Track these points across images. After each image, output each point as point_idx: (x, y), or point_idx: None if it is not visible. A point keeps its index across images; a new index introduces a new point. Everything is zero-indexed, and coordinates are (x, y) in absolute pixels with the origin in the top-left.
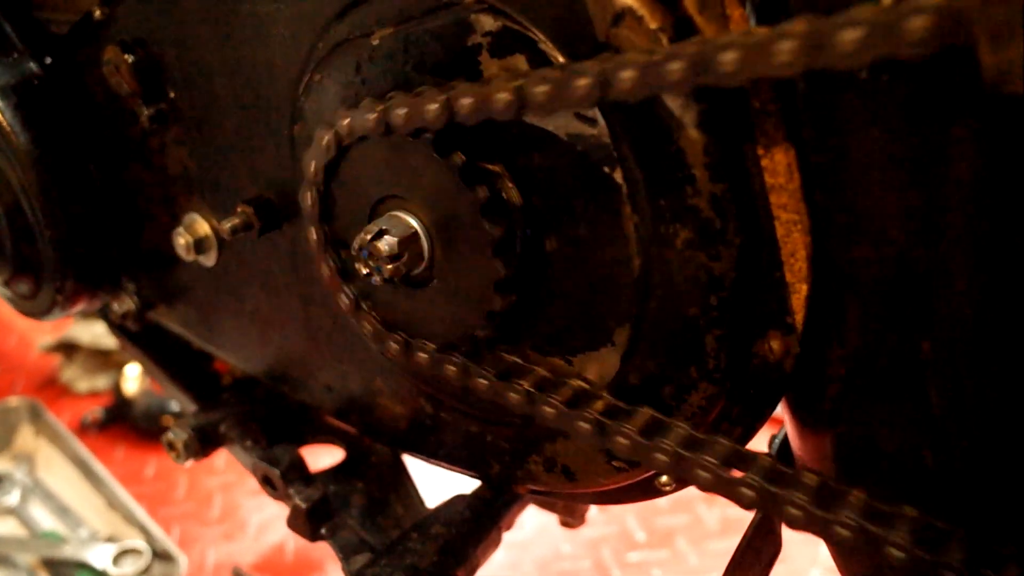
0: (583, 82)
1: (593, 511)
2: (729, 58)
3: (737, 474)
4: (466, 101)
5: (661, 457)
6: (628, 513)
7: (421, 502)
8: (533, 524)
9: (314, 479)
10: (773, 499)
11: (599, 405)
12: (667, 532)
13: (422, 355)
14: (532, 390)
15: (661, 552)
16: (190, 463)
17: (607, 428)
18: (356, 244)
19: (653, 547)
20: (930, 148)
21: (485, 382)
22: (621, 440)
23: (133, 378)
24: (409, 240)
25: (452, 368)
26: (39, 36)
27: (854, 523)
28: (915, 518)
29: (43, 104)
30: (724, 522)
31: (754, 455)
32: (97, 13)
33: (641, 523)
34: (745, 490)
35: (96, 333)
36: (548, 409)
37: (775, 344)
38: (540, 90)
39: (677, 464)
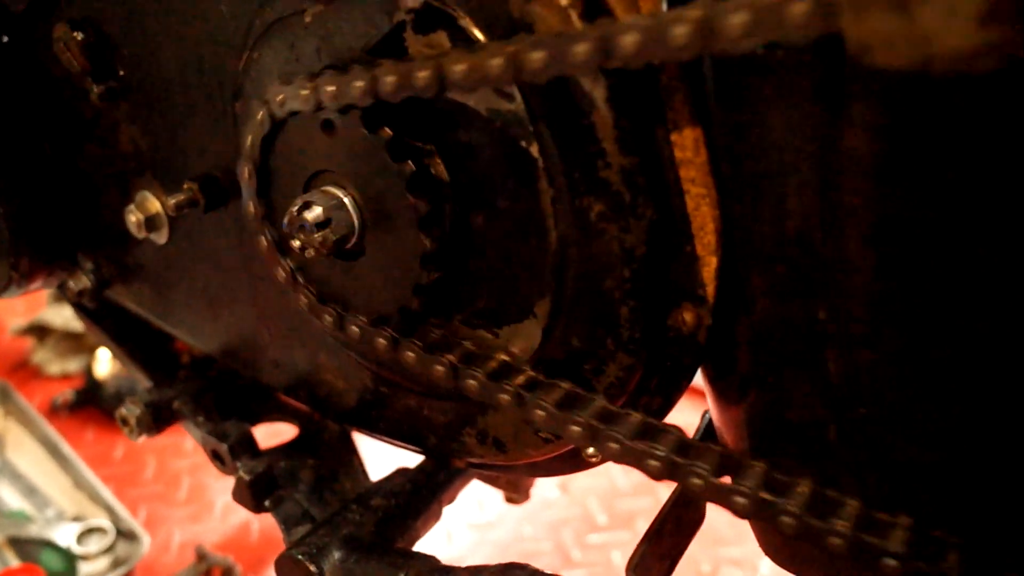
0: (496, 62)
1: (556, 495)
2: (629, 41)
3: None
4: (390, 79)
5: (540, 413)
6: (590, 495)
7: (366, 476)
8: (495, 507)
9: (262, 454)
10: (634, 454)
11: (491, 364)
12: (628, 515)
13: (354, 328)
14: (455, 361)
15: (622, 534)
16: (143, 438)
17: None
18: (286, 217)
19: (614, 529)
20: (826, 122)
21: (412, 355)
22: (503, 396)
23: (105, 361)
24: (336, 211)
25: (381, 341)
26: None
27: (749, 493)
28: (813, 489)
29: None
30: None
31: (625, 414)
32: None
33: (602, 506)
34: (611, 444)
35: (68, 316)
36: (472, 383)
37: (688, 316)
38: (458, 68)
39: (551, 422)
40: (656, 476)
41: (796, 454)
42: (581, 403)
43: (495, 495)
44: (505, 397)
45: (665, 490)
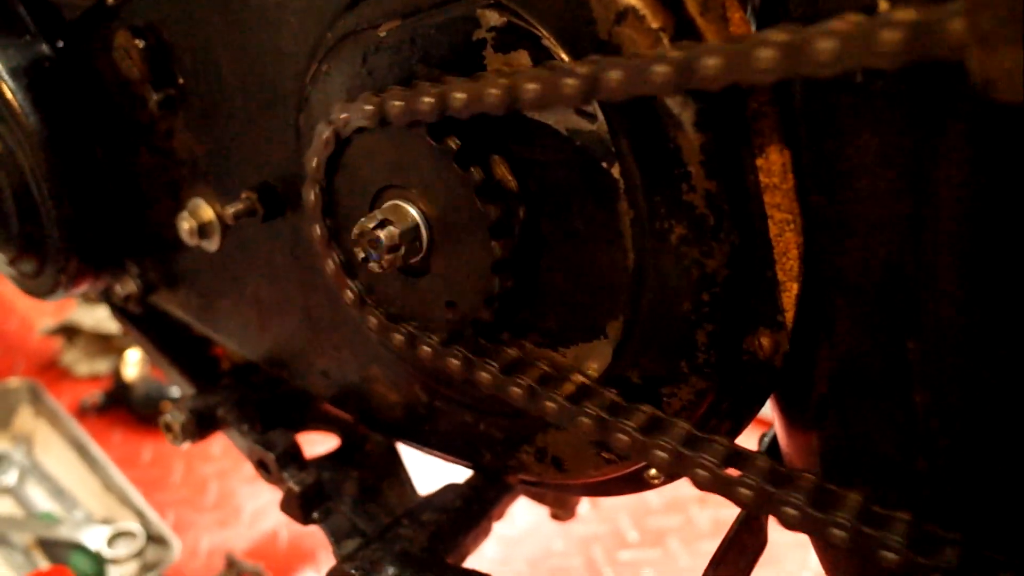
0: (571, 81)
1: (586, 510)
2: (711, 63)
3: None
4: (459, 95)
5: (623, 438)
6: (620, 512)
7: (413, 490)
8: (525, 520)
9: (308, 464)
10: (725, 483)
11: (568, 388)
12: (659, 532)
13: (426, 348)
14: (534, 385)
15: (652, 552)
16: (187, 445)
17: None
18: (355, 232)
19: (645, 547)
20: (921, 152)
21: (488, 376)
22: (585, 421)
23: (133, 363)
24: (407, 227)
25: (454, 362)
26: (51, 19)
27: (800, 503)
28: (909, 521)
29: (53, 87)
30: (716, 523)
31: (710, 439)
32: None
33: (633, 522)
34: (700, 471)
35: (98, 317)
36: (550, 405)
37: (765, 341)
38: (531, 87)
39: (641, 448)
40: (744, 504)
41: (874, 482)
42: (664, 428)
43: (526, 508)
44: (586, 421)
45: (697, 508)
